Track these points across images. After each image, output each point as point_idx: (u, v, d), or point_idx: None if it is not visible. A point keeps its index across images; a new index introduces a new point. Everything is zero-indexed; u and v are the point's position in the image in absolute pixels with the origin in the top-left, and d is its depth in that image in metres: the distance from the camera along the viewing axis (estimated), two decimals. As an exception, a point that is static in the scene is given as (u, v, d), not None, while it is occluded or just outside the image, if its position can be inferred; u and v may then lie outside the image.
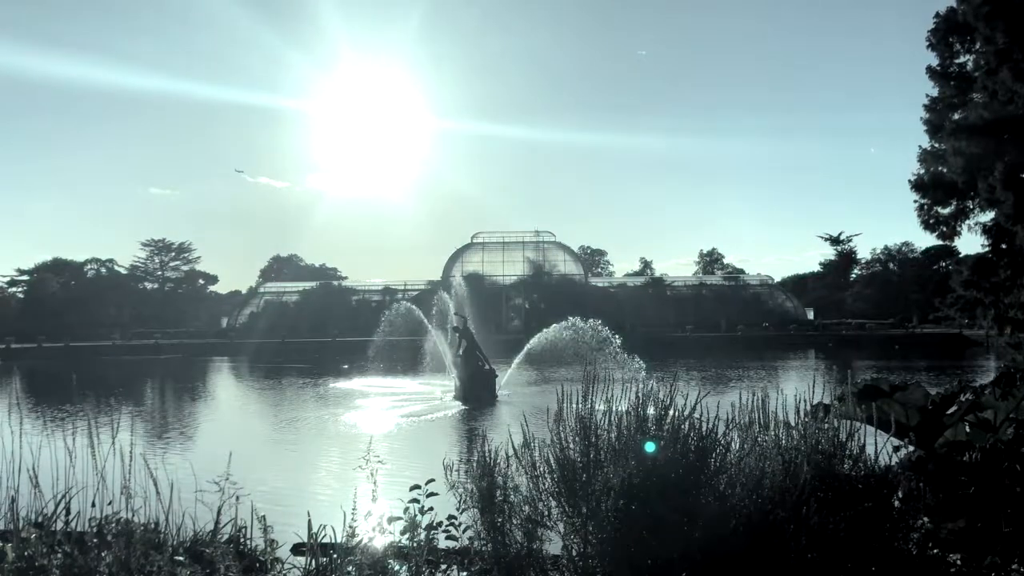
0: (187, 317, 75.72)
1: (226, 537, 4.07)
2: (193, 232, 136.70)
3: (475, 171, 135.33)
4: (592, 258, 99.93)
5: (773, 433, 4.17)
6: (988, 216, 19.10)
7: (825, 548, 3.82)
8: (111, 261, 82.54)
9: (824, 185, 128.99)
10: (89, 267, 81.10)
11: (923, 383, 5.72)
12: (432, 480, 4.26)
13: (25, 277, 78.70)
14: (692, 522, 3.79)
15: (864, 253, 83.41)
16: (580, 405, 4.19)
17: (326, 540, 4.18)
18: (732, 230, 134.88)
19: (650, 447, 3.92)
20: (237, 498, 4.11)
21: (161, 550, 3.76)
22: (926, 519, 4.21)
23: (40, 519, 4.01)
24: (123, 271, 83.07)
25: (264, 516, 4.02)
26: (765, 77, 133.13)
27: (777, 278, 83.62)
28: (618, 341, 23.61)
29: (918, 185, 19.72)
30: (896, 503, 4.09)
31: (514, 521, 4.06)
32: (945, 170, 19.19)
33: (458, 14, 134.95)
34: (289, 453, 16.16)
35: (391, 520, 4.14)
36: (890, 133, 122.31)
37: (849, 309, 74.40)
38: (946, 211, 19.72)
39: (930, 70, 19.90)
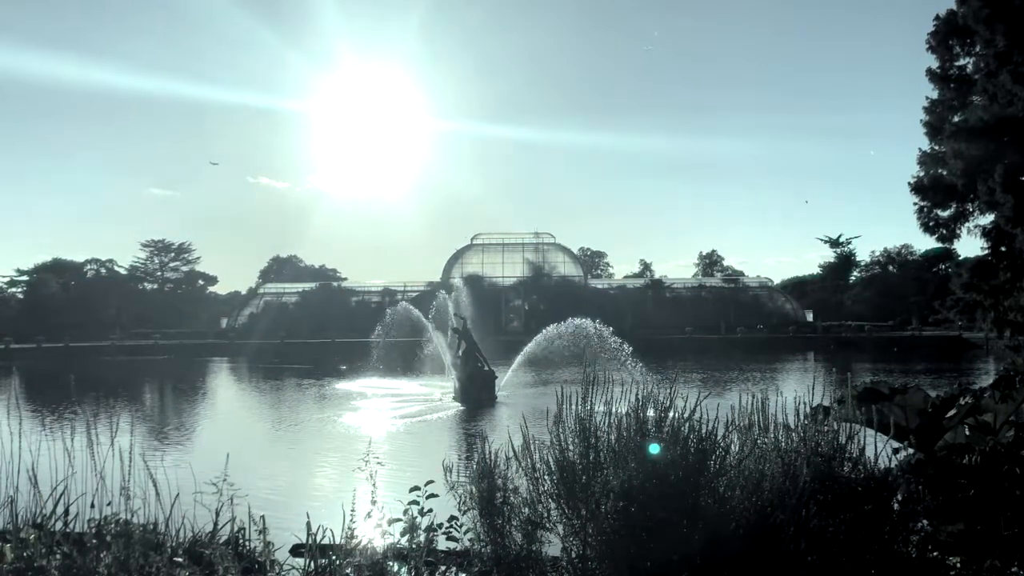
0: (187, 318, 75.58)
1: (225, 538, 4.07)
2: (193, 233, 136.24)
3: (475, 172, 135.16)
4: (592, 260, 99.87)
5: (773, 435, 4.17)
6: (988, 219, 19.10)
7: (825, 551, 3.81)
8: (111, 261, 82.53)
9: (824, 187, 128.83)
10: (89, 267, 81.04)
11: (923, 386, 5.72)
12: (431, 481, 4.26)
13: (25, 277, 78.56)
14: (692, 524, 3.79)
15: (864, 255, 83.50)
16: (580, 407, 4.19)
17: (325, 541, 4.18)
18: (732, 232, 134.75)
19: (654, 449, 3.92)
20: (232, 499, 4.11)
21: (160, 551, 3.76)
22: (926, 522, 4.21)
23: (39, 520, 4.01)
24: (123, 271, 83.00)
25: (263, 517, 4.02)
26: (765, 79, 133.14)
27: (776, 280, 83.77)
28: (627, 348, 23.56)
29: (917, 187, 19.72)
30: (896, 506, 4.09)
31: (514, 523, 4.06)
32: (945, 172, 19.19)
33: (458, 15, 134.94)
34: (288, 454, 16.16)
35: (391, 521, 4.14)
36: (890, 135, 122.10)
37: (848, 311, 74.37)
38: (946, 214, 19.72)
39: (930, 72, 19.90)
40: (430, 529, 4.15)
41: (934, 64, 19.86)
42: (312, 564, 3.97)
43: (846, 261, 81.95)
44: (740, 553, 3.71)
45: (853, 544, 3.84)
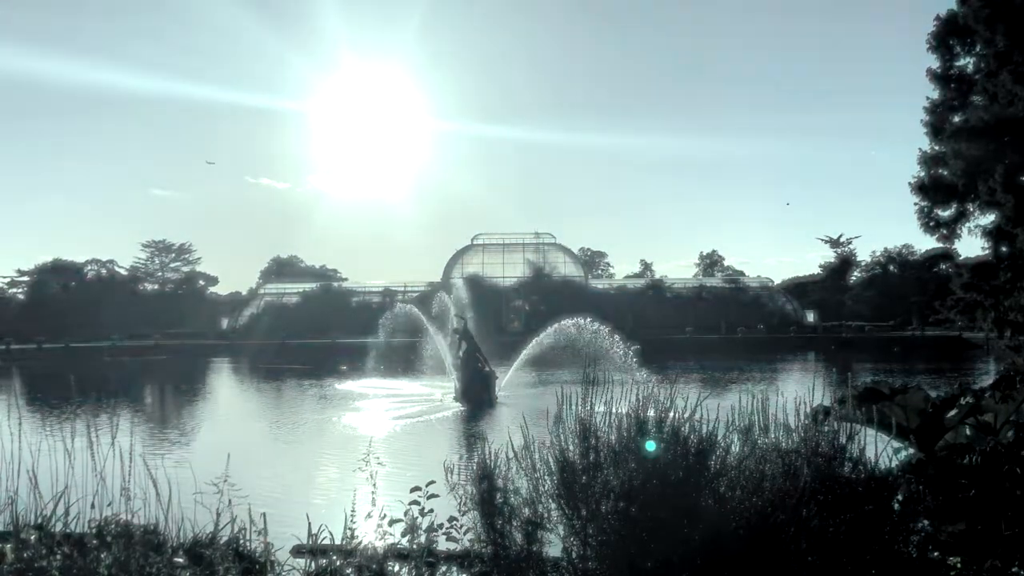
0: (187, 318, 75.52)
1: (225, 539, 4.07)
2: (193, 233, 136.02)
3: (475, 172, 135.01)
4: (592, 260, 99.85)
5: (773, 436, 4.17)
6: (988, 219, 19.07)
7: (825, 551, 3.81)
8: (112, 262, 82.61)
9: (824, 187, 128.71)
10: (89, 268, 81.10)
11: (923, 386, 5.72)
12: (432, 482, 4.25)
13: (25, 278, 78.75)
14: (692, 524, 3.79)
15: (864, 255, 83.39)
16: (580, 407, 4.19)
17: (326, 542, 4.18)
18: (732, 232, 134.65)
19: (651, 446, 3.92)
20: (230, 501, 4.10)
21: (160, 552, 3.76)
22: (926, 522, 4.20)
23: (40, 520, 4.01)
24: (123, 272, 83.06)
25: (264, 516, 4.01)
26: (766, 79, 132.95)
27: (777, 280, 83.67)
28: (629, 348, 23.69)
29: (918, 187, 19.70)
30: (896, 506, 4.09)
31: (514, 523, 4.05)
32: (945, 172, 19.18)
33: (458, 15, 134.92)
34: (289, 454, 16.16)
35: (392, 522, 4.14)
36: (890, 136, 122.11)
37: (849, 311, 74.31)
38: (946, 214, 19.69)
39: (930, 72, 19.88)
40: (431, 529, 4.15)
41: (935, 64, 19.84)
42: (312, 564, 3.97)
43: (846, 261, 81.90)
44: (741, 553, 3.71)
45: (854, 544, 3.84)
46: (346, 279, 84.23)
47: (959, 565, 4.10)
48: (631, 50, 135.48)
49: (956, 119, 19.24)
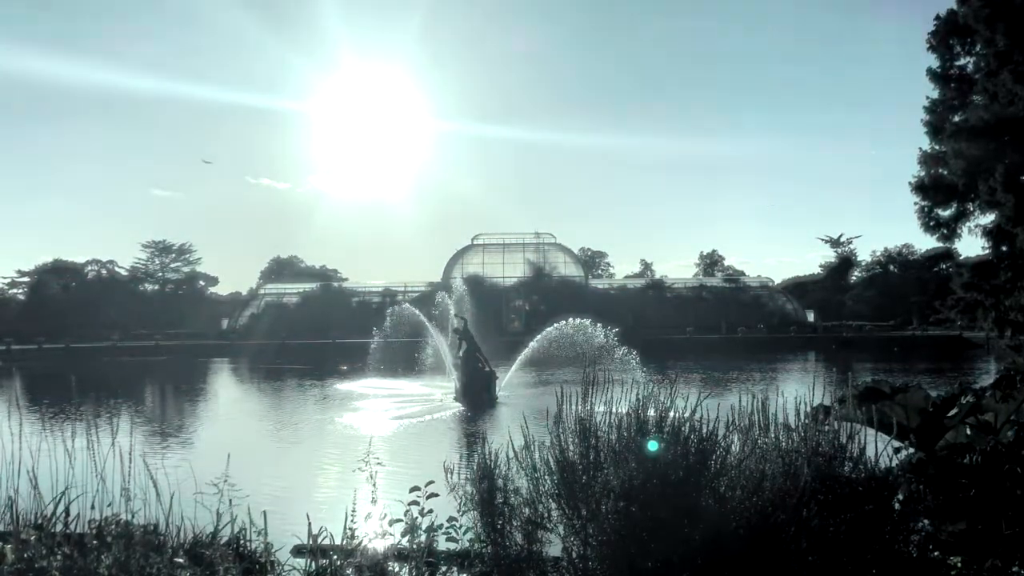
0: (187, 318, 75.49)
1: (226, 539, 4.07)
2: (194, 233, 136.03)
3: (475, 172, 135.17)
4: (592, 260, 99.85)
5: (773, 435, 4.17)
6: (989, 218, 19.09)
7: (826, 550, 3.81)
8: (112, 262, 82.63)
9: (824, 187, 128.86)
10: (90, 268, 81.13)
11: (923, 385, 5.71)
12: (432, 482, 4.25)
13: (26, 279, 78.82)
14: (692, 524, 3.79)
15: (864, 255, 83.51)
16: (580, 407, 4.19)
17: (326, 542, 4.18)
18: (732, 232, 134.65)
19: (653, 445, 3.92)
20: (230, 501, 4.11)
21: (161, 552, 3.76)
22: (927, 521, 4.20)
23: (40, 521, 4.01)
24: (124, 272, 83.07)
25: (265, 513, 4.02)
26: (765, 79, 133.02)
27: (777, 280, 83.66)
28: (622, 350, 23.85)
29: (918, 187, 19.72)
30: (897, 505, 4.09)
31: (514, 523, 4.05)
32: (945, 172, 19.19)
33: (458, 16, 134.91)
34: (289, 454, 16.15)
35: (392, 522, 4.14)
36: (890, 135, 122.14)
37: (849, 311, 74.32)
38: (946, 213, 19.71)
39: (930, 72, 19.90)
40: (430, 530, 4.15)
41: (934, 64, 19.86)
42: (313, 565, 3.97)
43: (847, 261, 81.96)
44: (741, 553, 3.71)
45: (854, 544, 3.83)
46: (346, 279, 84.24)
47: (959, 565, 4.09)
48: (631, 49, 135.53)
49: (956, 119, 19.26)
